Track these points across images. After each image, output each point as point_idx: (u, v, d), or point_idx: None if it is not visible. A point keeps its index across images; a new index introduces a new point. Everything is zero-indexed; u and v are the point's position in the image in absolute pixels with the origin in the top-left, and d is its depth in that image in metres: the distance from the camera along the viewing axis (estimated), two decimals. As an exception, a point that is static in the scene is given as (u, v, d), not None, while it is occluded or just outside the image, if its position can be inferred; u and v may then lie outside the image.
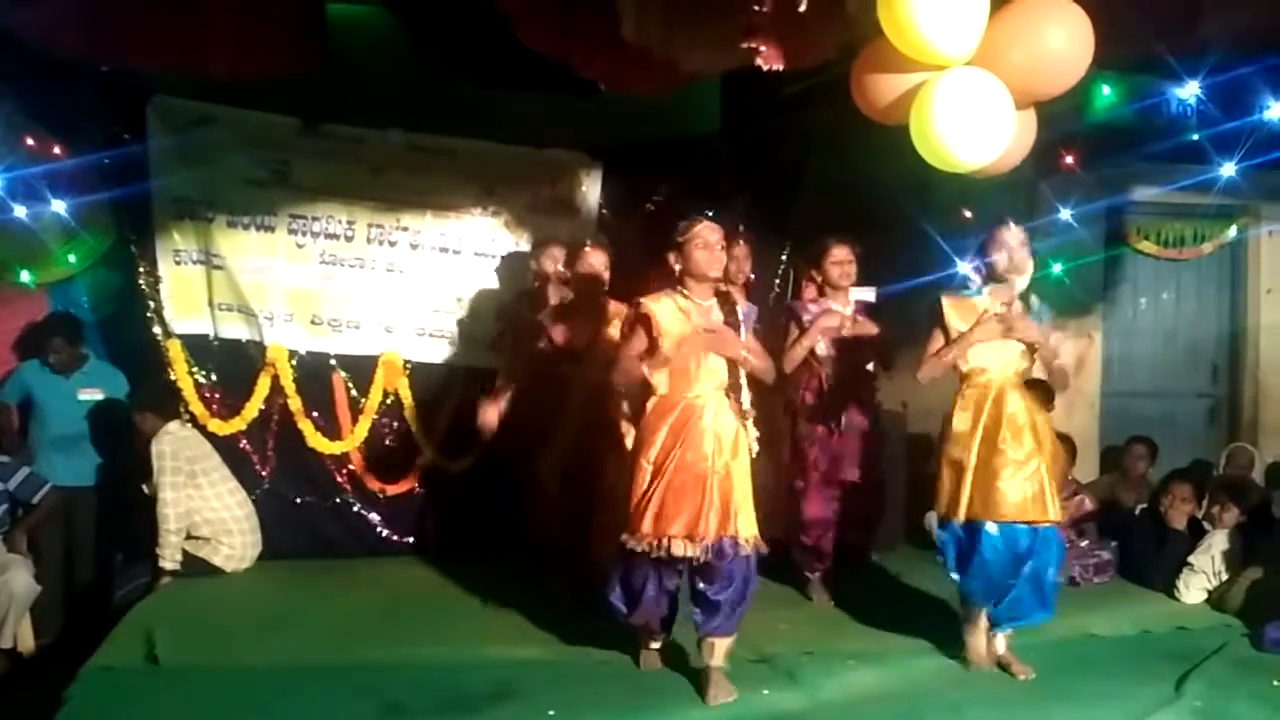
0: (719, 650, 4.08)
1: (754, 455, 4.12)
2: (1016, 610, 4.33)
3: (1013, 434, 4.27)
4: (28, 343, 5.81)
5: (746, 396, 4.12)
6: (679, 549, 3.89)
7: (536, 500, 5.11)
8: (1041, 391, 5.72)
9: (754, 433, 4.12)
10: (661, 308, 4.03)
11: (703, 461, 3.94)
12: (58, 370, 5.62)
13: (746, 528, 4.00)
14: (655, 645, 4.31)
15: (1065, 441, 5.85)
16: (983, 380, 4.36)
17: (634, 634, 4.30)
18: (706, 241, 4.02)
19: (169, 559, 5.19)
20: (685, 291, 4.06)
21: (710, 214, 4.14)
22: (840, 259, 5.09)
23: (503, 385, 5.23)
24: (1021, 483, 4.24)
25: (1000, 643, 4.42)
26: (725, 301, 4.13)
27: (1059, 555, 4.40)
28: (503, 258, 6.08)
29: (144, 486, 5.28)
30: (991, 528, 4.24)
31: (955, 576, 4.37)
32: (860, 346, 5.18)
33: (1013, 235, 4.35)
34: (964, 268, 5.91)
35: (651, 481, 3.94)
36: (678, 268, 4.06)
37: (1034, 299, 4.48)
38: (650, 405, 4.06)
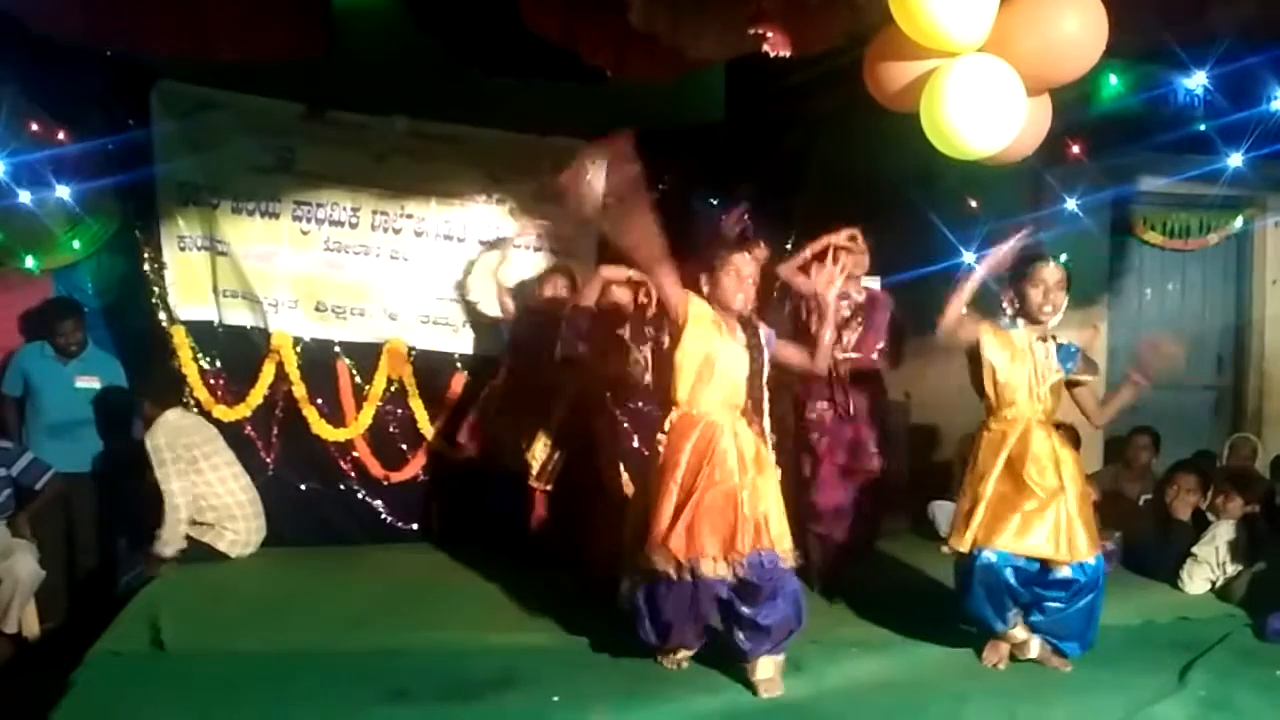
0: (765, 667, 4.03)
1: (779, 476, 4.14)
2: (1058, 628, 4.33)
3: (1038, 470, 4.22)
4: (30, 326, 5.81)
5: (768, 422, 4.14)
6: (711, 569, 3.85)
7: (532, 500, 5.20)
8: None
9: (772, 456, 4.14)
10: (699, 306, 4.04)
11: (730, 479, 3.92)
12: (64, 352, 5.62)
13: (782, 542, 3.97)
14: (681, 655, 4.24)
15: (1069, 431, 5.84)
16: (1009, 415, 4.31)
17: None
18: (739, 272, 4.04)
19: (171, 547, 5.19)
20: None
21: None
22: (852, 247, 5.08)
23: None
24: (1044, 519, 4.19)
25: (1034, 645, 4.38)
26: (748, 325, 4.13)
27: (1096, 582, 4.29)
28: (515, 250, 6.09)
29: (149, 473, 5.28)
30: (990, 555, 4.20)
31: (977, 612, 4.32)
32: (870, 334, 5.17)
33: (1050, 273, 4.27)
34: (969, 258, 5.93)
35: (680, 503, 3.91)
36: (706, 290, 4.08)
37: (1061, 342, 4.40)
38: (670, 422, 4.04)
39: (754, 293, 4.11)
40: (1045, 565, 4.22)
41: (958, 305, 4.27)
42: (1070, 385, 4.43)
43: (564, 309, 5.46)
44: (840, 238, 5.01)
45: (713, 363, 4.01)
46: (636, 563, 3.99)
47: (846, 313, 5.07)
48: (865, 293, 5.19)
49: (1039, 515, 4.19)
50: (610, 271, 5.18)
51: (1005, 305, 4.41)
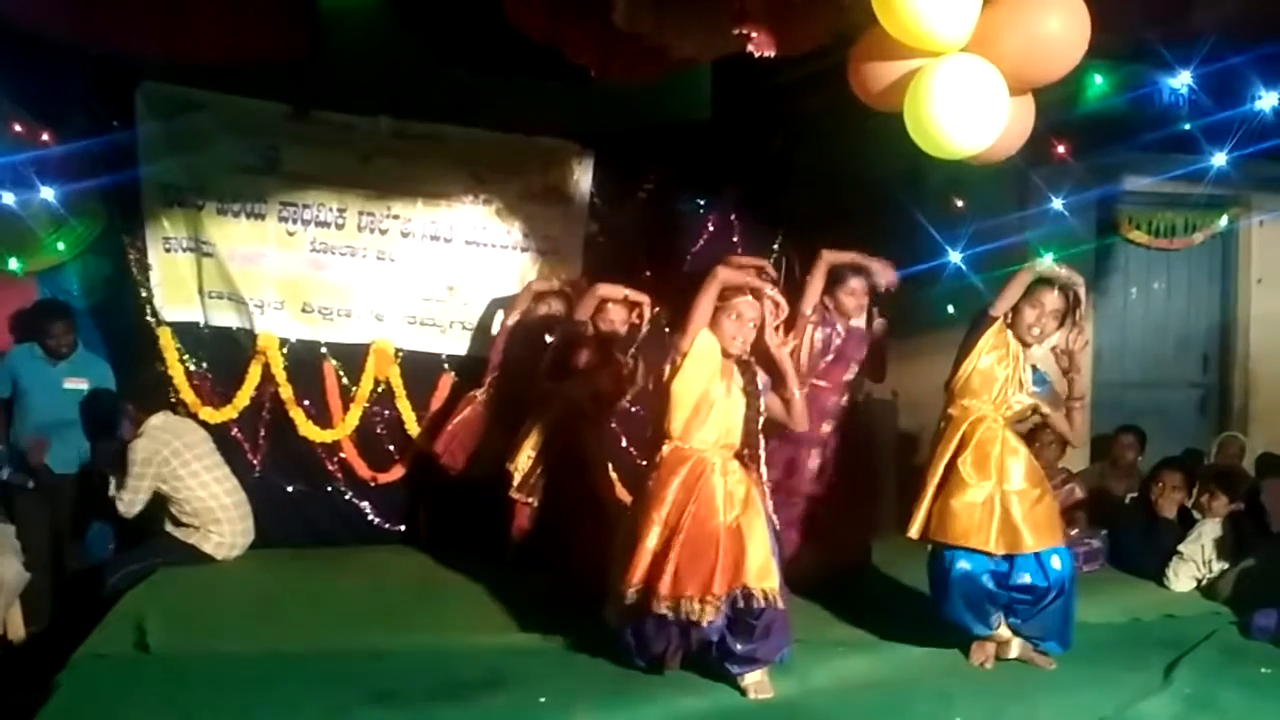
0: (750, 678, 4.04)
1: (777, 527, 4.14)
2: (1035, 629, 4.37)
3: (975, 460, 4.29)
4: (18, 327, 5.77)
5: (765, 471, 4.15)
6: (694, 612, 3.85)
7: (516, 507, 5.21)
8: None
9: (768, 502, 4.15)
10: (707, 340, 4.01)
11: (714, 517, 3.92)
12: (54, 355, 5.60)
13: (760, 580, 3.93)
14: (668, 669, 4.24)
15: (1054, 432, 5.85)
16: (966, 403, 4.39)
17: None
18: (740, 314, 4.03)
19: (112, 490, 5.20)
20: None
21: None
22: (855, 290, 5.10)
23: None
24: (972, 508, 4.25)
25: (1016, 645, 4.40)
26: (746, 370, 4.12)
27: (1061, 584, 4.33)
28: (502, 250, 6.08)
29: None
30: (965, 563, 4.26)
31: (947, 608, 4.37)
32: (838, 366, 5.16)
33: (1051, 300, 4.33)
34: (955, 256, 5.95)
35: (666, 540, 3.91)
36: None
37: (1037, 367, 4.48)
38: (661, 455, 4.03)
39: (754, 336, 4.08)
40: (1010, 567, 4.27)
41: (1011, 299, 4.34)
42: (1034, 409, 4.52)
43: (555, 328, 5.48)
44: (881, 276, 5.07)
45: (710, 401, 4.00)
46: (621, 595, 3.97)
47: (819, 344, 5.08)
48: (849, 330, 5.18)
49: (972, 507, 4.26)
50: (607, 290, 5.19)
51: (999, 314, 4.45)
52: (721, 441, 4.05)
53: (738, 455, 4.11)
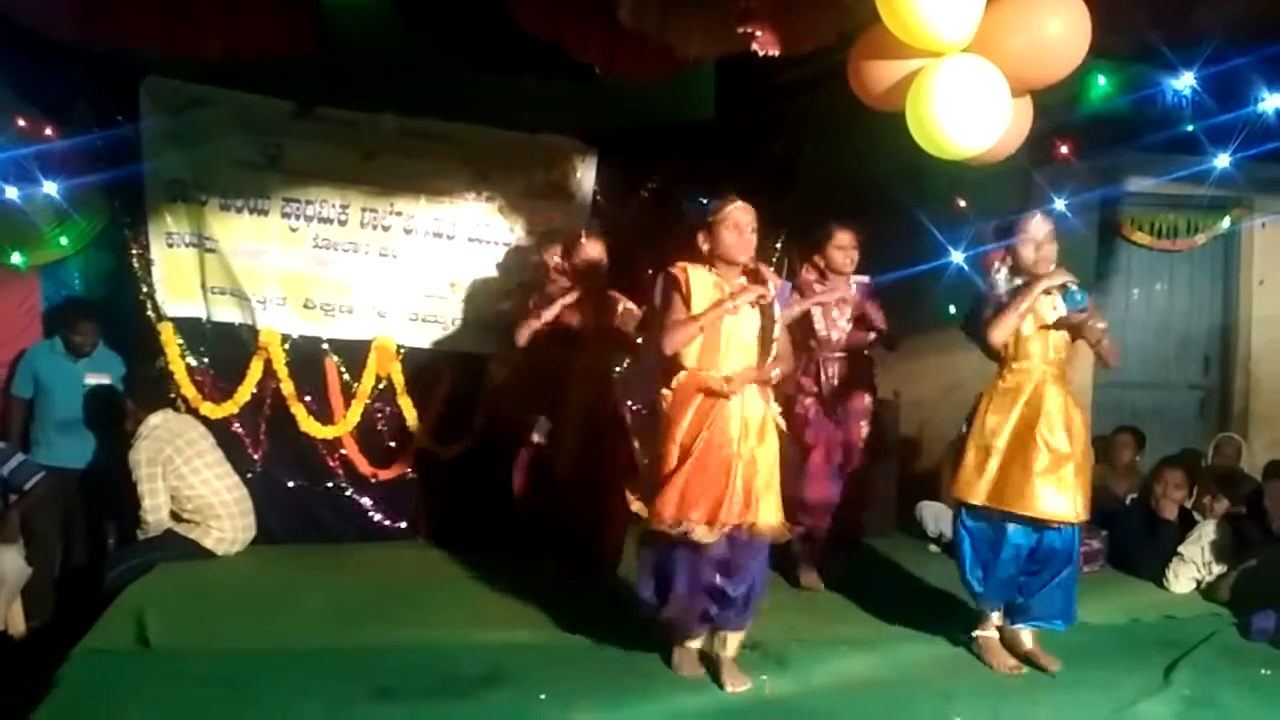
0: (732, 643, 4.07)
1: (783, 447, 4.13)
2: (1042, 609, 4.33)
3: (1049, 429, 4.19)
4: (46, 324, 5.80)
5: (776, 408, 4.13)
6: (699, 534, 3.84)
7: (533, 481, 5.15)
8: None
9: (782, 423, 4.14)
10: (695, 273, 3.95)
11: (728, 445, 3.88)
12: (77, 352, 5.61)
13: (768, 515, 3.95)
14: (693, 644, 4.17)
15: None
16: (1022, 367, 4.28)
17: (667, 631, 4.15)
18: (737, 223, 3.95)
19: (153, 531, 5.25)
20: (715, 270, 4.00)
21: (704, 200, 4.09)
22: (844, 243, 5.11)
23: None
24: (1052, 479, 4.16)
25: (1026, 637, 4.39)
26: (755, 278, 4.02)
27: (1069, 554, 4.32)
28: (504, 248, 6.09)
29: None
30: (1014, 527, 4.21)
31: (972, 576, 4.33)
32: (862, 329, 5.18)
33: (1038, 226, 4.27)
34: (958, 256, 5.95)
35: (677, 464, 3.89)
36: (706, 248, 3.99)
37: (1072, 284, 4.30)
38: (677, 382, 3.97)
39: (754, 243, 3.99)
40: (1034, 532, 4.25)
41: (1013, 324, 4.22)
42: (1076, 334, 4.31)
43: (554, 276, 5.40)
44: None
45: (721, 330, 3.93)
46: (651, 529, 3.97)
47: (835, 310, 5.11)
48: (856, 287, 5.20)
49: (1050, 476, 4.16)
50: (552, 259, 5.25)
51: (996, 264, 4.38)
52: (739, 365, 3.96)
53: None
